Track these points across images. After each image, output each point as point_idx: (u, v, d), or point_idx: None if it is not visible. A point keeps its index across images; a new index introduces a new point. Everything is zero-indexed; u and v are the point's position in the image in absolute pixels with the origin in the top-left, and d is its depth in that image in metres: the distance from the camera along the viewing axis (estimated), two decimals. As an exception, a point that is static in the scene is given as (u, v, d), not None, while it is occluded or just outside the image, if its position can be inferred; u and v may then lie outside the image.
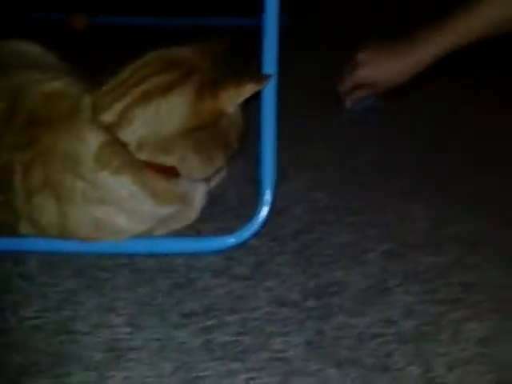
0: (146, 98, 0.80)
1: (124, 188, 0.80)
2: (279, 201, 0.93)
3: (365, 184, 1.04)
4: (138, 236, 0.85)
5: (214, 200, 0.96)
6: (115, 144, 0.79)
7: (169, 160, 0.82)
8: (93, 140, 0.79)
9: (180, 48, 0.88)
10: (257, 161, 0.90)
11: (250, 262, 0.86)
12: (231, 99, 0.80)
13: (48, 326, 0.75)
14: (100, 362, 0.69)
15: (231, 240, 0.86)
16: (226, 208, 0.97)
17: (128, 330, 0.74)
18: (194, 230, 0.92)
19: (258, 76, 0.83)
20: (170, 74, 0.82)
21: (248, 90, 0.80)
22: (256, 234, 0.88)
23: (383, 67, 1.13)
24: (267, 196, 0.88)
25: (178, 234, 0.90)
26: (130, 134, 0.79)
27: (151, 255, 0.87)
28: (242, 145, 0.90)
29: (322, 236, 0.92)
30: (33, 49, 1.06)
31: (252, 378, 0.68)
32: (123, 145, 0.80)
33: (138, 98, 0.80)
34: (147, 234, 0.86)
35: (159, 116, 0.80)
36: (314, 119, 1.26)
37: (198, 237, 0.90)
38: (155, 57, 0.85)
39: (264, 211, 0.88)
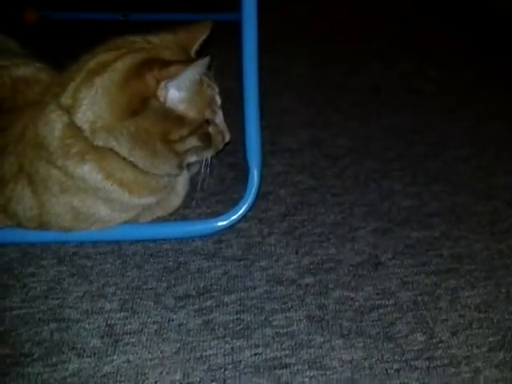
0: (89, 77, 0.72)
1: (91, 177, 0.74)
2: (262, 185, 0.91)
3: (343, 167, 1.03)
4: (123, 224, 0.81)
5: (195, 186, 0.93)
6: (73, 128, 0.72)
7: (120, 149, 0.73)
8: (56, 122, 0.73)
9: (161, 34, 0.79)
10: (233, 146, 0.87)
11: (241, 244, 0.84)
12: (156, 79, 0.70)
13: (35, 315, 0.70)
14: (96, 348, 0.66)
15: (221, 223, 0.84)
16: (207, 193, 0.95)
17: (122, 314, 0.71)
18: (179, 215, 0.89)
19: (189, 59, 0.75)
20: (115, 52, 0.73)
21: (173, 71, 0.70)
22: (244, 217, 0.86)
23: None
24: (255, 177, 0.87)
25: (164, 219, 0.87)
26: (81, 117, 0.71)
27: (137, 241, 0.83)
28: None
29: (309, 217, 0.90)
30: None
31: (258, 354, 0.66)
32: (79, 129, 0.72)
33: (84, 77, 0.73)
34: (132, 222, 0.83)
35: (98, 97, 0.71)
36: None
37: (187, 221, 0.87)
38: (124, 39, 0.77)
39: (252, 192, 0.86)
